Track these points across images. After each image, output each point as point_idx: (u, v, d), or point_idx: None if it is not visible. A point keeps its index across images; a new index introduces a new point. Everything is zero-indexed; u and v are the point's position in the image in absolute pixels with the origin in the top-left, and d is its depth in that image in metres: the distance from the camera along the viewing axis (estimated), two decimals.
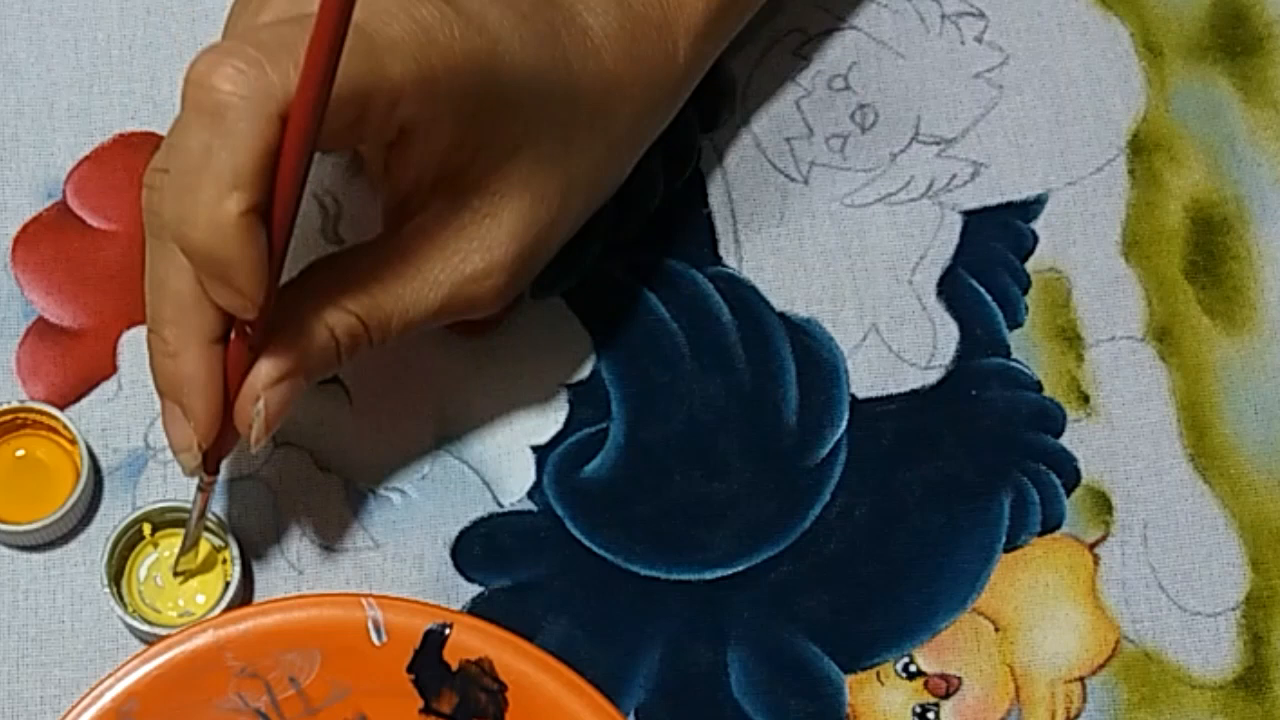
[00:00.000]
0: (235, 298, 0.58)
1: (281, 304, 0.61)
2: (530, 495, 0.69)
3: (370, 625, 0.65)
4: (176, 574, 0.67)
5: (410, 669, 0.65)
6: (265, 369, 0.61)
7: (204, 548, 0.67)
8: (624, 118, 0.66)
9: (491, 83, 0.61)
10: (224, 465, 0.69)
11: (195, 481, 0.64)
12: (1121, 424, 0.71)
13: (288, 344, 0.61)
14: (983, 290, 0.72)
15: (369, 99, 0.59)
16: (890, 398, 0.71)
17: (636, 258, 0.72)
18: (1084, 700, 0.68)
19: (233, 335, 0.61)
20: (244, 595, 0.67)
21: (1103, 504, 0.70)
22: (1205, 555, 0.70)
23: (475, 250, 0.63)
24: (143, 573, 0.67)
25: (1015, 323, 0.72)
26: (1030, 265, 0.73)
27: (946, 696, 0.68)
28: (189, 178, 0.57)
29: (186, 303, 0.60)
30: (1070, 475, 0.70)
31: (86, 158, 0.71)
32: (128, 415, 0.69)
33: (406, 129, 0.61)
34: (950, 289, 0.72)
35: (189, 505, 0.67)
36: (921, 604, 0.68)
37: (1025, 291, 0.72)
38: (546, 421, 0.70)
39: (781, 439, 0.70)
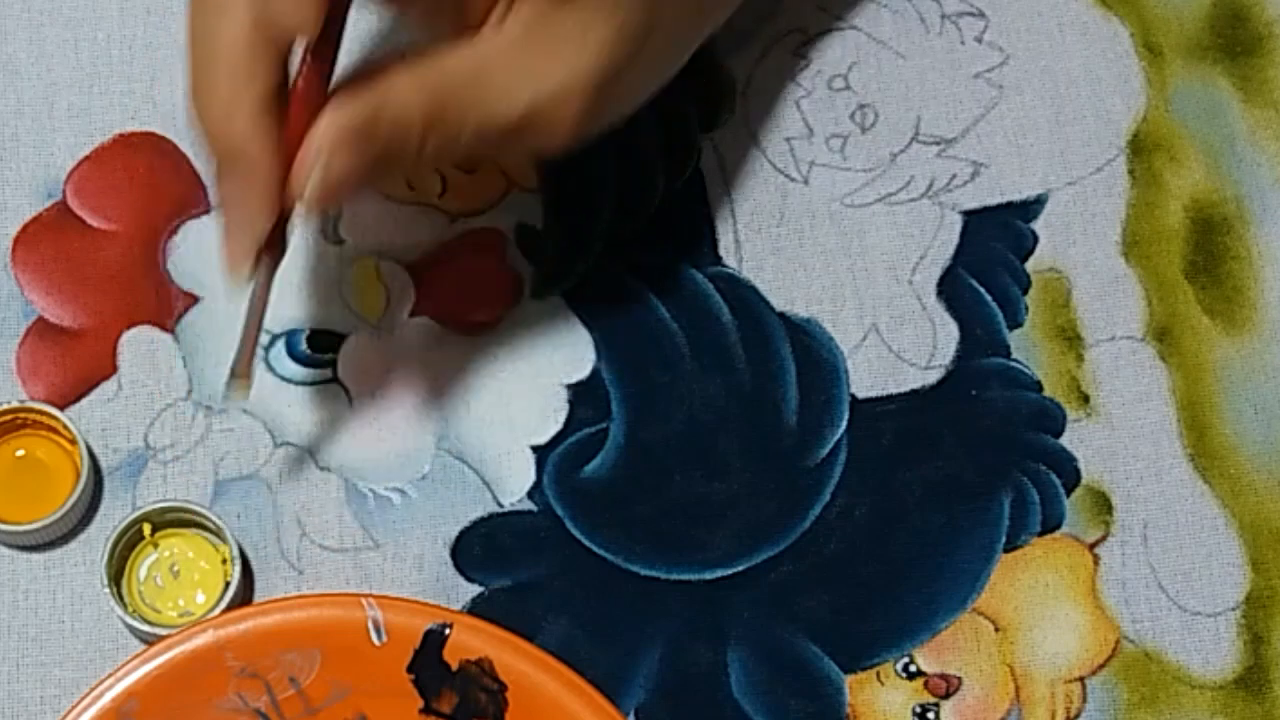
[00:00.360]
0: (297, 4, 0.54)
1: (358, 74, 0.57)
2: (530, 495, 0.69)
3: (370, 625, 0.65)
4: (228, 392, 0.62)
5: (410, 669, 0.65)
6: (333, 119, 0.57)
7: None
8: None
9: None
10: (224, 465, 0.69)
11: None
12: (1121, 424, 0.71)
13: (360, 101, 0.57)
14: (983, 290, 0.72)
15: None
16: (890, 398, 0.71)
17: (636, 258, 0.72)
18: (1084, 700, 0.68)
19: (296, 93, 0.57)
20: (244, 595, 0.67)
21: (1103, 504, 0.70)
22: (1205, 555, 0.70)
23: (557, 68, 0.59)
24: (143, 573, 0.67)
25: (1015, 323, 0.72)
26: (1030, 265, 0.73)
27: (946, 696, 0.68)
28: None
29: (242, 52, 0.56)
30: (1070, 475, 0.70)
31: (86, 158, 0.71)
32: (128, 415, 0.69)
33: None
34: (950, 289, 0.72)
35: (189, 505, 0.67)
36: (921, 604, 0.68)
37: (1025, 291, 0.72)
38: (546, 421, 0.70)
39: (781, 439, 0.70)
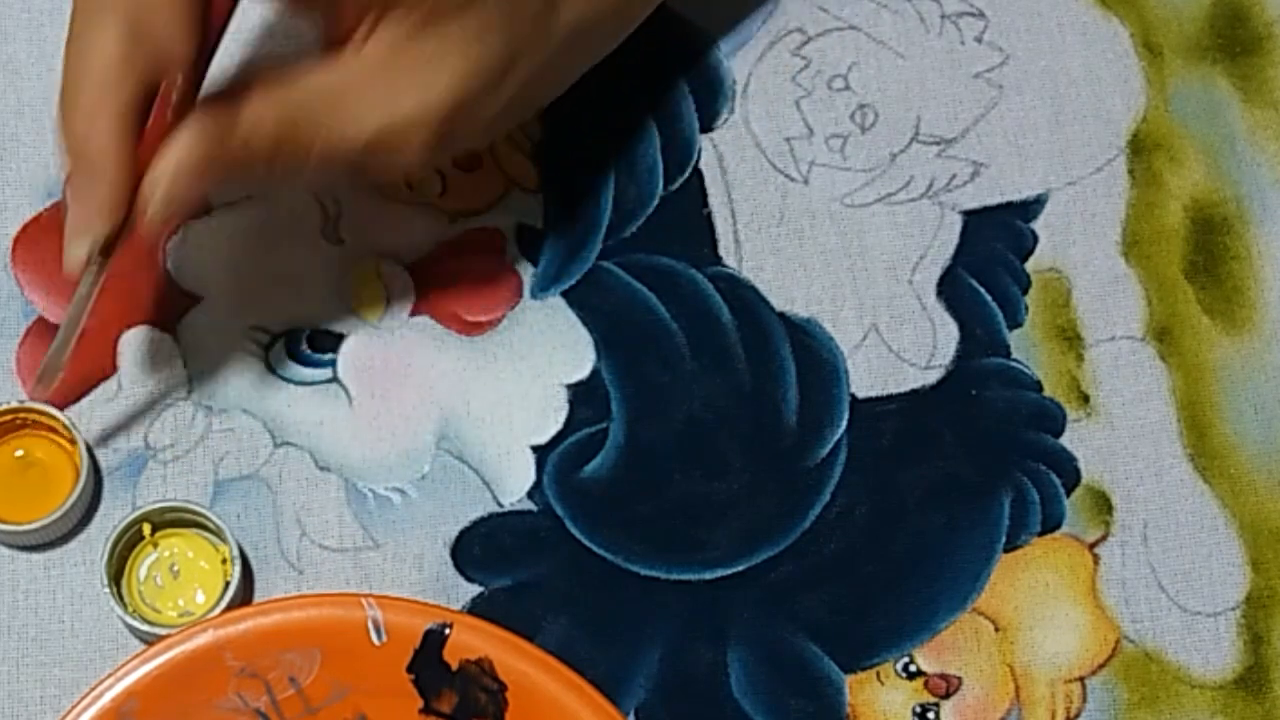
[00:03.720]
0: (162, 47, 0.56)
1: (211, 93, 0.59)
2: (530, 495, 0.69)
3: (370, 625, 0.65)
4: (40, 380, 0.65)
5: (410, 669, 0.65)
6: (181, 139, 0.59)
7: (194, 542, 0.67)
8: (584, 13, 0.64)
9: None
10: (224, 465, 0.69)
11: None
12: (1121, 424, 0.71)
13: (208, 122, 0.59)
14: (983, 290, 0.72)
15: None
16: (890, 398, 0.71)
17: (636, 258, 0.72)
18: (1084, 700, 0.68)
19: (153, 117, 0.59)
20: (244, 595, 0.67)
21: (1103, 504, 0.70)
22: (1205, 555, 0.70)
23: (409, 96, 0.60)
24: (143, 573, 0.67)
25: (1015, 323, 0.72)
26: (1030, 265, 0.73)
27: (946, 696, 0.68)
28: None
29: (111, 67, 0.58)
30: (1070, 475, 0.70)
31: None
32: (128, 415, 0.69)
33: None
34: (950, 289, 0.72)
35: (189, 505, 0.67)
36: (921, 604, 0.68)
37: (1025, 291, 0.72)
38: (546, 421, 0.70)
39: (781, 439, 0.70)
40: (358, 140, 0.61)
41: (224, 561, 0.67)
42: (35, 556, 0.68)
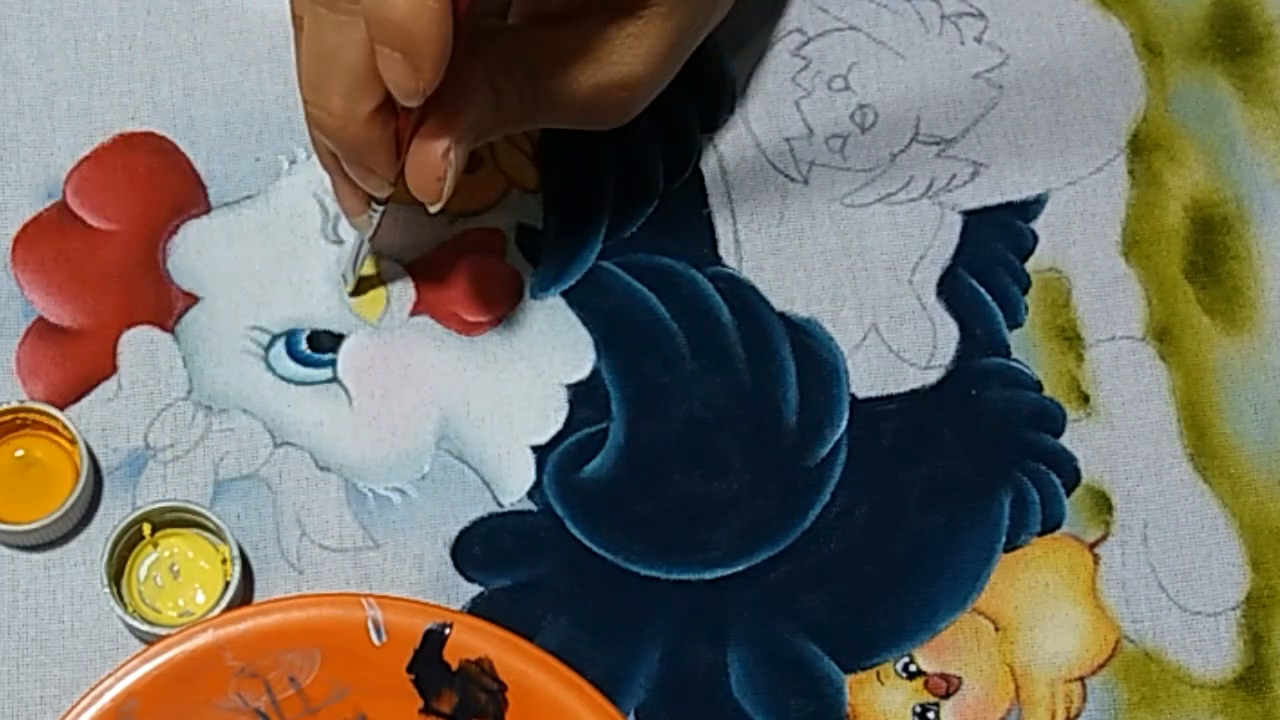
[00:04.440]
0: (413, 79, 0.60)
1: (454, 63, 0.62)
2: (530, 495, 0.69)
3: (370, 625, 0.65)
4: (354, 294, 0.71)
5: (410, 669, 0.65)
6: (449, 126, 0.63)
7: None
8: None
9: None
10: (224, 465, 0.69)
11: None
12: (1121, 424, 0.71)
13: (461, 106, 0.64)
14: (983, 290, 0.72)
15: None
16: (890, 397, 0.71)
17: (636, 258, 0.72)
18: (1084, 700, 0.68)
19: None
20: (244, 595, 0.67)
21: (1103, 504, 0.70)
22: (1205, 555, 0.70)
23: (620, 63, 0.67)
24: (143, 573, 0.67)
25: (1015, 322, 0.72)
26: (1030, 265, 0.73)
27: (946, 696, 0.68)
28: None
29: (360, 73, 0.62)
30: (1070, 475, 0.70)
31: (86, 158, 0.71)
32: (128, 415, 0.69)
33: None
34: (950, 289, 0.72)
35: (189, 505, 0.67)
36: (921, 604, 0.68)
37: (1025, 291, 0.72)
38: (546, 421, 0.70)
39: (781, 439, 0.70)
40: (573, 101, 0.67)
41: (224, 561, 0.67)
42: (35, 556, 0.68)
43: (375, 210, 0.67)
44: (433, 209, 0.64)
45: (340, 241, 0.71)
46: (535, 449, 0.70)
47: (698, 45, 0.71)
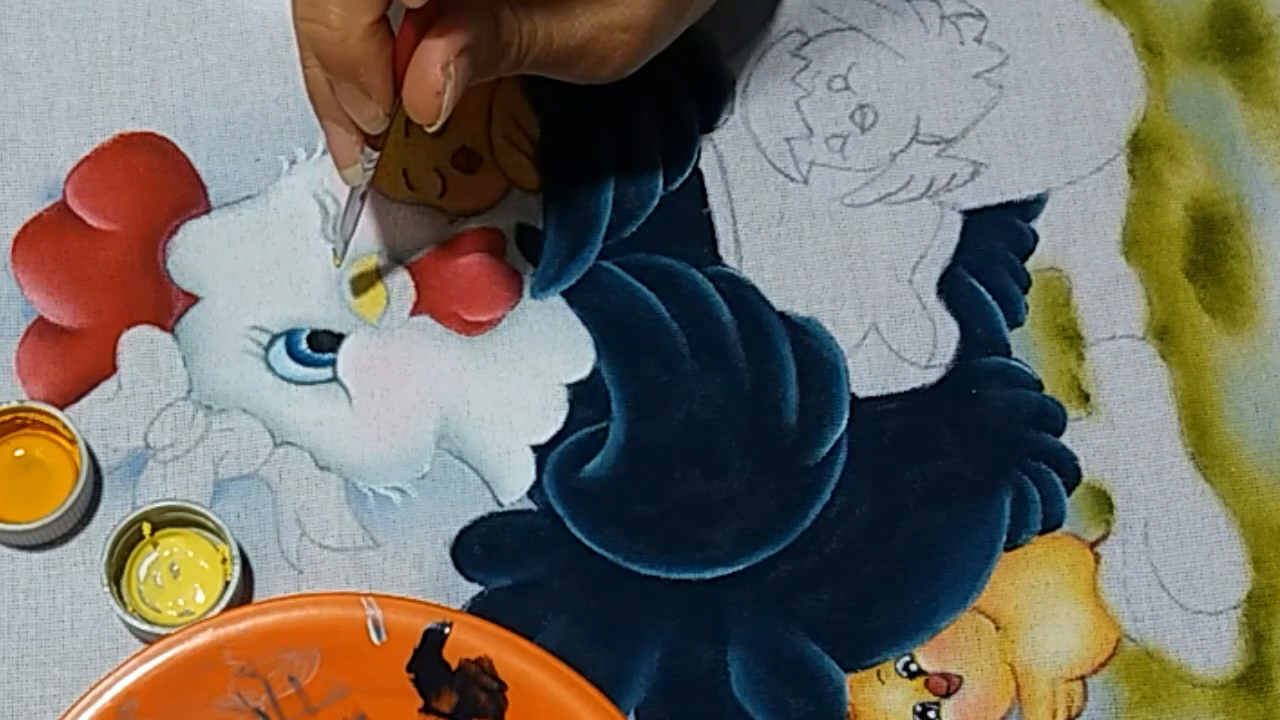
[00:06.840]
0: None
1: None
2: (530, 495, 0.69)
3: (370, 624, 0.64)
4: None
5: (410, 668, 0.64)
6: (448, 41, 0.63)
7: (205, 546, 0.67)
8: None
9: None
10: (224, 465, 0.69)
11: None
12: (1122, 423, 0.71)
13: (460, 23, 0.63)
14: (983, 289, 0.72)
15: None
16: (890, 397, 0.71)
17: (636, 258, 0.72)
18: (1085, 699, 0.68)
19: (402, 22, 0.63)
20: (244, 595, 0.67)
21: (1103, 503, 0.70)
22: (1206, 554, 0.70)
23: (623, 3, 0.67)
24: (142, 572, 0.67)
25: (1015, 322, 0.72)
26: (1030, 264, 0.73)
27: (947, 695, 0.68)
28: None
29: None
30: (1071, 474, 0.70)
31: (86, 158, 0.72)
32: (128, 415, 0.69)
33: None
34: (950, 288, 0.72)
35: (189, 505, 0.67)
36: (922, 603, 0.68)
37: (1025, 290, 0.72)
38: (546, 421, 0.70)
39: (781, 438, 0.70)
40: (572, 42, 0.67)
41: (224, 561, 0.67)
42: (35, 556, 0.68)
43: (368, 161, 0.66)
44: (430, 130, 0.64)
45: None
46: (535, 448, 0.70)
47: (702, 7, 0.70)
